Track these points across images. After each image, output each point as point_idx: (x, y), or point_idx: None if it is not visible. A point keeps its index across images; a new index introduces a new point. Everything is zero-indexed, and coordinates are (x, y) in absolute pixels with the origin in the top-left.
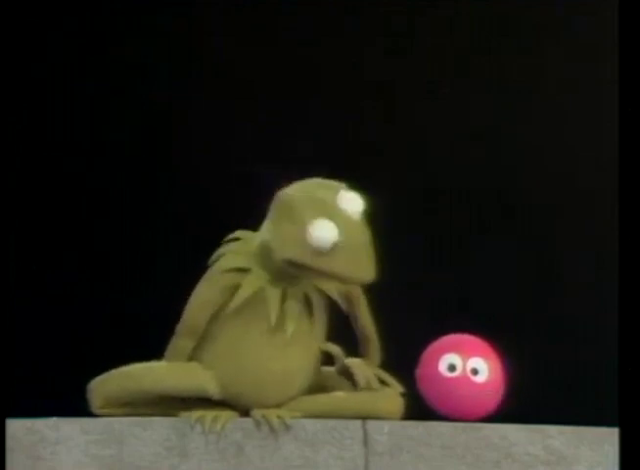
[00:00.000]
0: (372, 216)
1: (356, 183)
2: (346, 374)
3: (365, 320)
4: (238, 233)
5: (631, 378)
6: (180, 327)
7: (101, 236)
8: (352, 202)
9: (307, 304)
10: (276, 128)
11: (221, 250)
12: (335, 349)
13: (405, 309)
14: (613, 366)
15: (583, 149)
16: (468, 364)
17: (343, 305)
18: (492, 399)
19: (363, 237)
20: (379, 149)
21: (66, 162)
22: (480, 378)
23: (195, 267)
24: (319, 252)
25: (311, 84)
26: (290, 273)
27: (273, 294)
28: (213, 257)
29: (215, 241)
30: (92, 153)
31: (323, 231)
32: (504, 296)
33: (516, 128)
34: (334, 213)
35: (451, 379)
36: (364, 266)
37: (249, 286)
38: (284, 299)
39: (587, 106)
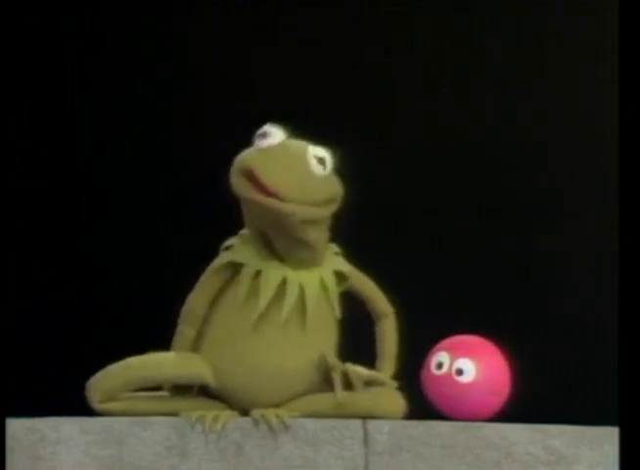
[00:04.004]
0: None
1: (356, 181)
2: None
3: (390, 340)
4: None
5: (631, 378)
6: (181, 313)
7: (101, 236)
8: (316, 149)
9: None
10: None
11: (224, 245)
12: (331, 357)
13: (406, 310)
14: (613, 366)
15: (583, 149)
16: (454, 364)
17: (338, 309)
18: (478, 401)
19: (295, 151)
20: (379, 147)
21: (65, 161)
22: (465, 378)
23: (196, 267)
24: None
25: (311, 84)
26: (256, 224)
27: (248, 273)
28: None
29: (216, 240)
30: (92, 153)
31: (264, 127)
32: (504, 296)
33: (516, 128)
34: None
35: (437, 377)
36: (276, 171)
37: (226, 256)
38: (277, 284)
39: (587, 106)
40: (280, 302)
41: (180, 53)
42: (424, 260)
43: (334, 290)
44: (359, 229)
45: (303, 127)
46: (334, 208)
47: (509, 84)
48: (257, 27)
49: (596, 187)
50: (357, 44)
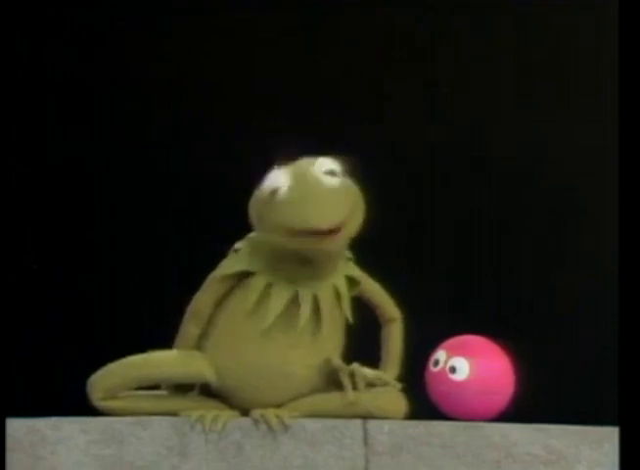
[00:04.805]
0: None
1: (357, 182)
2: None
3: (395, 344)
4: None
5: (631, 378)
6: (186, 312)
7: (102, 235)
8: (321, 161)
9: (317, 308)
10: (277, 129)
11: (233, 249)
12: (337, 361)
13: (409, 311)
14: (613, 366)
15: (583, 149)
16: (449, 362)
17: (348, 312)
18: (471, 399)
19: (312, 186)
20: (379, 149)
21: (66, 161)
22: (458, 377)
23: (199, 267)
24: (266, 201)
25: (311, 86)
26: (275, 255)
27: (259, 283)
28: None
29: (221, 239)
30: (92, 152)
31: (268, 179)
32: (504, 296)
33: (516, 128)
34: (293, 169)
35: (432, 373)
36: (306, 211)
37: (237, 264)
38: (288, 299)
39: (587, 106)
40: (290, 309)
41: (180, 53)
42: (423, 261)
43: (346, 296)
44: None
45: (304, 128)
46: (361, 215)
47: (509, 85)
48: (256, 28)
49: (596, 186)
50: (357, 47)
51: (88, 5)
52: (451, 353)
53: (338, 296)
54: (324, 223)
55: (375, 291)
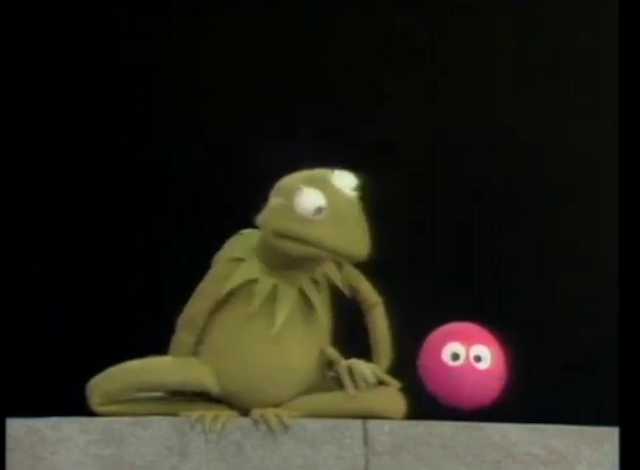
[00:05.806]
0: (368, 196)
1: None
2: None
3: (381, 329)
4: (243, 231)
5: (631, 378)
6: (179, 320)
7: (101, 238)
8: (344, 177)
9: (307, 301)
10: (278, 128)
11: (224, 245)
12: (332, 352)
13: (409, 311)
14: (613, 366)
15: (583, 149)
16: (471, 352)
17: (346, 290)
18: (497, 385)
19: (352, 209)
20: (378, 144)
21: (66, 160)
22: (484, 365)
23: (196, 269)
24: (304, 219)
25: (311, 86)
26: (284, 261)
27: (264, 287)
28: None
29: (217, 244)
30: (92, 152)
31: (307, 196)
32: (504, 295)
33: (516, 128)
34: (323, 186)
35: (455, 368)
36: (353, 238)
37: (240, 275)
38: (276, 292)
39: (587, 106)
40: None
41: (180, 53)
42: (423, 261)
43: (325, 285)
44: None
45: (304, 128)
46: None
47: (509, 84)
48: (256, 28)
49: (596, 184)
50: (358, 46)
51: (88, 5)
52: (469, 343)
53: (317, 284)
54: (365, 251)
55: (355, 278)
